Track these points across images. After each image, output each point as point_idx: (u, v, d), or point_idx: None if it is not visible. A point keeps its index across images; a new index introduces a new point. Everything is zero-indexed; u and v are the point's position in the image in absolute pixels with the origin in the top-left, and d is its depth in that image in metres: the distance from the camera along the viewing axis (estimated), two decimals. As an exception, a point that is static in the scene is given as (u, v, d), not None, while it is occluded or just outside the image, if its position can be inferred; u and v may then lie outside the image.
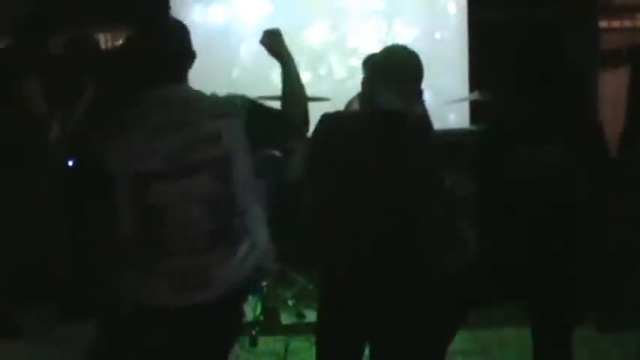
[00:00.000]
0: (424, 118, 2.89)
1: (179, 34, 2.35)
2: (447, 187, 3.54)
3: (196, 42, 2.64)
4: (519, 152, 2.73)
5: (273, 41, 2.48)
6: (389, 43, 2.70)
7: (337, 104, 3.64)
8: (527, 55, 2.95)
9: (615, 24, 4.87)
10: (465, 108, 4.97)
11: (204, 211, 2.27)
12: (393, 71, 2.51)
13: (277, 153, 3.60)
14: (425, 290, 2.48)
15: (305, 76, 4.33)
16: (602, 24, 4.92)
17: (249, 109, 2.32)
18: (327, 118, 2.62)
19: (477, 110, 4.84)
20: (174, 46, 2.31)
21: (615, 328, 4.10)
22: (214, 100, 2.35)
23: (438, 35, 4.97)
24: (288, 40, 2.43)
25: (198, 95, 2.34)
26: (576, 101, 4.22)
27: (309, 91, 3.96)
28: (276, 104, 3.49)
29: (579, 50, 5.11)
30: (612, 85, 4.40)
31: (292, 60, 2.47)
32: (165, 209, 2.27)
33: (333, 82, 4.64)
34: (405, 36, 4.83)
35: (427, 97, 3.71)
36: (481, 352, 3.94)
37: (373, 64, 2.72)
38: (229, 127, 2.28)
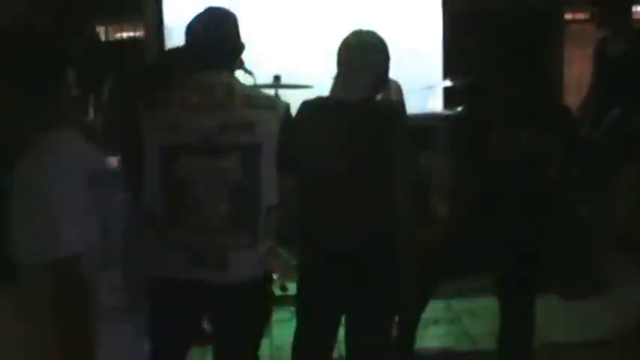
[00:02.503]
0: (387, 105, 2.97)
1: (224, 26, 2.39)
2: (421, 168, 3.73)
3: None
4: (498, 134, 2.82)
5: None
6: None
7: (319, 92, 3.77)
8: (499, 42, 3.10)
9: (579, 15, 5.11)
10: (439, 94, 5.16)
11: (227, 193, 2.30)
12: (343, 61, 2.55)
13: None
14: (396, 266, 2.58)
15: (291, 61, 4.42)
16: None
17: (285, 113, 2.39)
18: (304, 105, 2.68)
19: (449, 95, 5.03)
20: (216, 36, 2.37)
21: (578, 296, 4.26)
22: (255, 91, 2.46)
23: (414, 24, 5.16)
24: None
25: (239, 84, 2.41)
26: (546, 85, 4.43)
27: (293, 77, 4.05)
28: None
29: (547, 37, 5.37)
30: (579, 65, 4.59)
31: None
32: (190, 184, 2.29)
33: (312, 67, 4.70)
34: (383, 25, 4.97)
35: (404, 84, 3.95)
36: (452, 321, 4.08)
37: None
38: (264, 120, 2.33)
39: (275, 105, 2.40)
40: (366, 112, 2.51)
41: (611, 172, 3.92)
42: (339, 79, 2.57)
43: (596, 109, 3.99)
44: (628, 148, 3.81)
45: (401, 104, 3.51)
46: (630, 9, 4.00)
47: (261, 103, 2.38)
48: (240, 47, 2.44)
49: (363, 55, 2.50)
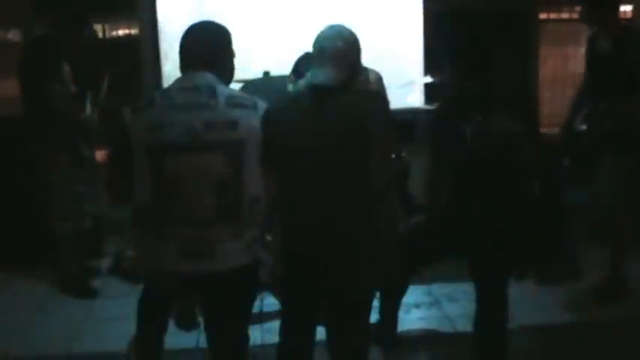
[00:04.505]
0: (362, 91, 3.00)
1: (208, 35, 2.56)
2: (404, 158, 3.88)
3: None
4: (471, 122, 2.92)
5: None
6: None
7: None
8: (474, 40, 3.23)
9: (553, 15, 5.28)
10: (419, 89, 5.28)
11: (213, 187, 2.43)
12: (316, 50, 2.64)
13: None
14: (373, 251, 2.64)
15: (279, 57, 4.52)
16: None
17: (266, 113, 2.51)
18: (280, 98, 2.75)
19: (430, 91, 5.16)
20: (199, 44, 2.54)
21: (553, 282, 4.40)
22: (236, 92, 2.58)
23: (397, 24, 5.31)
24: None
25: (222, 86, 2.52)
26: (514, 78, 4.55)
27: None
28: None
29: (520, 36, 5.56)
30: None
31: None
32: (177, 179, 2.42)
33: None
34: (367, 24, 5.08)
35: (386, 80, 4.07)
36: (433, 304, 4.19)
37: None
38: (246, 118, 2.46)
39: (256, 105, 2.53)
40: (339, 95, 2.58)
41: (595, 164, 4.05)
42: (314, 68, 2.67)
43: (587, 104, 4.13)
44: (609, 140, 3.92)
45: (379, 92, 3.60)
46: (617, 7, 4.08)
47: (243, 102, 2.52)
48: (228, 54, 2.60)
49: (333, 44, 2.60)
